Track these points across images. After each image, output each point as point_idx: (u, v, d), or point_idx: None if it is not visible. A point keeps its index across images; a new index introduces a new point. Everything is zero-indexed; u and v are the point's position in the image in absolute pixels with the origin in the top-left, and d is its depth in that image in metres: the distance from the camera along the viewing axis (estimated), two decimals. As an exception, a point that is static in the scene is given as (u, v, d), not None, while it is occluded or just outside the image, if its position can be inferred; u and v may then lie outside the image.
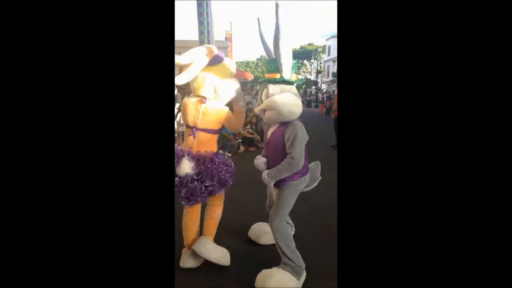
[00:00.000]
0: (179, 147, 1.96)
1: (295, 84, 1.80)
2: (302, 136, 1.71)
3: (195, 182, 1.85)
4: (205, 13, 5.55)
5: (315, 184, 2.05)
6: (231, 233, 2.41)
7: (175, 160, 1.86)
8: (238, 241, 2.33)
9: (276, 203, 1.85)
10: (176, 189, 1.87)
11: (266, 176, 1.81)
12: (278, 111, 1.69)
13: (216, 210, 2.06)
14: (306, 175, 1.91)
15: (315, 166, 2.07)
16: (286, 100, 1.69)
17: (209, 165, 1.86)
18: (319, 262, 1.97)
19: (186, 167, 1.85)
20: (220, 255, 1.95)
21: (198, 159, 1.87)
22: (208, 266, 1.96)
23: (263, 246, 2.26)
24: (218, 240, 2.05)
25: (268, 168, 1.85)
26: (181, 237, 2.02)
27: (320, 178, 2.07)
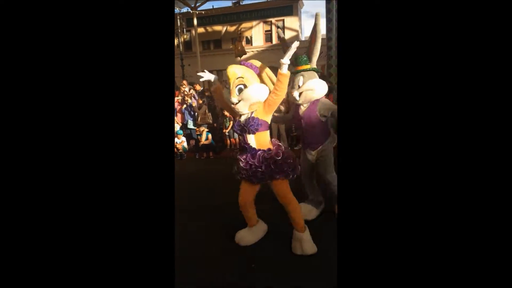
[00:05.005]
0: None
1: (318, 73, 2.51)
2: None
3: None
4: (334, 9, 5.31)
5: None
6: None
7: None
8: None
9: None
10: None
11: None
12: (316, 91, 2.38)
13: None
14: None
15: None
16: (320, 82, 2.43)
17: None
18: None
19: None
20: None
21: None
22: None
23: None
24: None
25: (304, 142, 2.61)
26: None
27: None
